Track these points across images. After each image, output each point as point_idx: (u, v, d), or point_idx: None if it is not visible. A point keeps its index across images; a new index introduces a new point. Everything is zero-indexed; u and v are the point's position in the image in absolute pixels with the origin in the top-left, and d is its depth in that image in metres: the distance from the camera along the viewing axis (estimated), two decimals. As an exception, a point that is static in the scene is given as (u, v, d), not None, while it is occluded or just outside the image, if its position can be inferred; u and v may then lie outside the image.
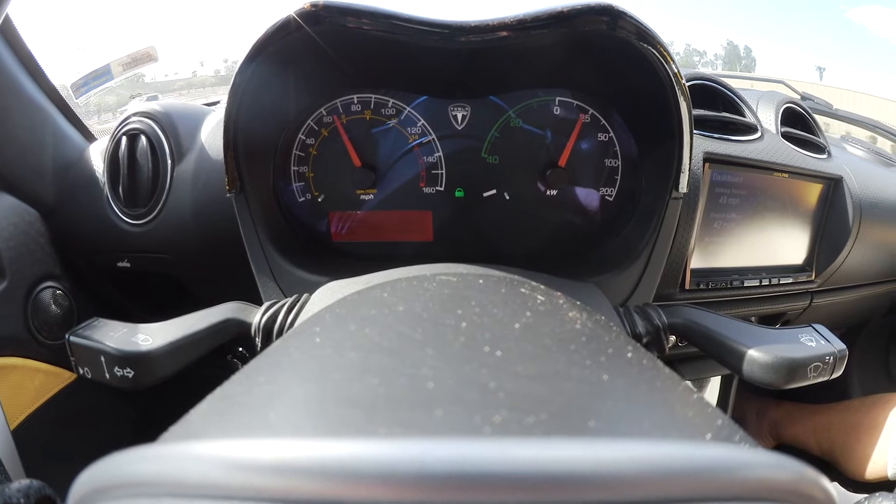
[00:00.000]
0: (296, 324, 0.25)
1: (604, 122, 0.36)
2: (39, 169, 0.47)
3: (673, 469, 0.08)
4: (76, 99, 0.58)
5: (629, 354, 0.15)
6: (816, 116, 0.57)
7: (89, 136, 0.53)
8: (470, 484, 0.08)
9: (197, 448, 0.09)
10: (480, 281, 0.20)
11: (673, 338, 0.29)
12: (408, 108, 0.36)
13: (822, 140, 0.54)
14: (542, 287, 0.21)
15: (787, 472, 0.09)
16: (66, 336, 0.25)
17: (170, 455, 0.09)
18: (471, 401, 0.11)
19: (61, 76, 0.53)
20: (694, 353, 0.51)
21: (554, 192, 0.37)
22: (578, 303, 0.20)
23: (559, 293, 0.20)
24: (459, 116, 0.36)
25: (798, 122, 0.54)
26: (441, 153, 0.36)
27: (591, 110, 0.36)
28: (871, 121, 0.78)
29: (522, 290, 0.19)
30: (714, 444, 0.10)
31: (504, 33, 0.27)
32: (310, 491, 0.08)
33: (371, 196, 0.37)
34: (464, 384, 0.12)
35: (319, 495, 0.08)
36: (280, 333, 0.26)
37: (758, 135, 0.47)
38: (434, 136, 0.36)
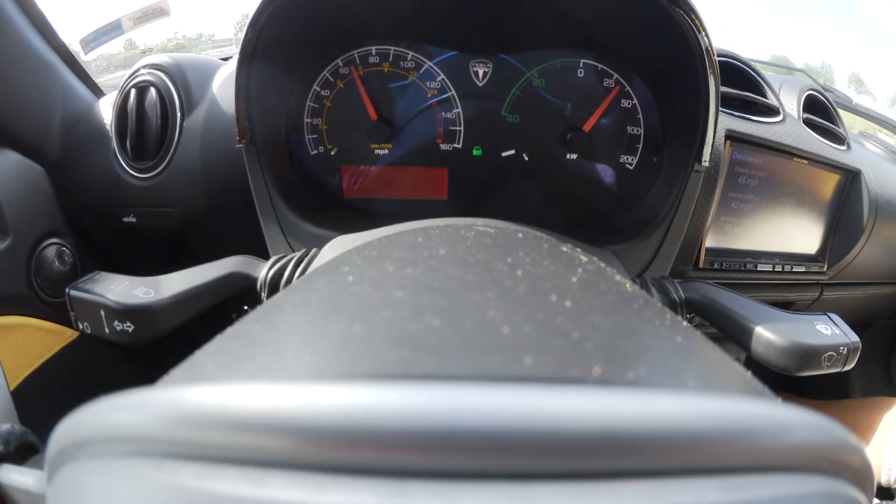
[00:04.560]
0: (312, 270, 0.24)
1: (628, 88, 0.35)
2: (45, 124, 0.46)
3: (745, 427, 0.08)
4: (85, 54, 0.57)
5: (683, 322, 0.14)
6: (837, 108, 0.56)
7: (97, 92, 0.52)
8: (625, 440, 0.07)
9: (214, 393, 0.07)
10: (520, 234, 0.19)
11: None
12: (428, 63, 0.35)
13: (842, 131, 0.53)
14: (579, 248, 0.20)
15: (830, 437, 0.08)
16: (67, 290, 0.24)
17: (174, 401, 0.07)
18: (560, 350, 0.09)
19: (71, 31, 0.52)
20: (703, 333, 0.51)
21: (574, 157, 0.36)
22: (613, 268, 0.19)
23: (595, 256, 0.19)
24: (481, 73, 0.35)
25: (819, 111, 0.53)
26: (460, 110, 0.36)
27: (616, 76, 0.35)
28: (891, 120, 0.77)
29: (563, 248, 0.18)
30: (758, 401, 0.09)
31: None
32: (399, 454, 0.06)
33: (386, 151, 0.36)
34: (544, 331, 0.10)
35: (419, 462, 0.06)
36: None
37: (780, 118, 0.46)
38: (454, 92, 0.35)
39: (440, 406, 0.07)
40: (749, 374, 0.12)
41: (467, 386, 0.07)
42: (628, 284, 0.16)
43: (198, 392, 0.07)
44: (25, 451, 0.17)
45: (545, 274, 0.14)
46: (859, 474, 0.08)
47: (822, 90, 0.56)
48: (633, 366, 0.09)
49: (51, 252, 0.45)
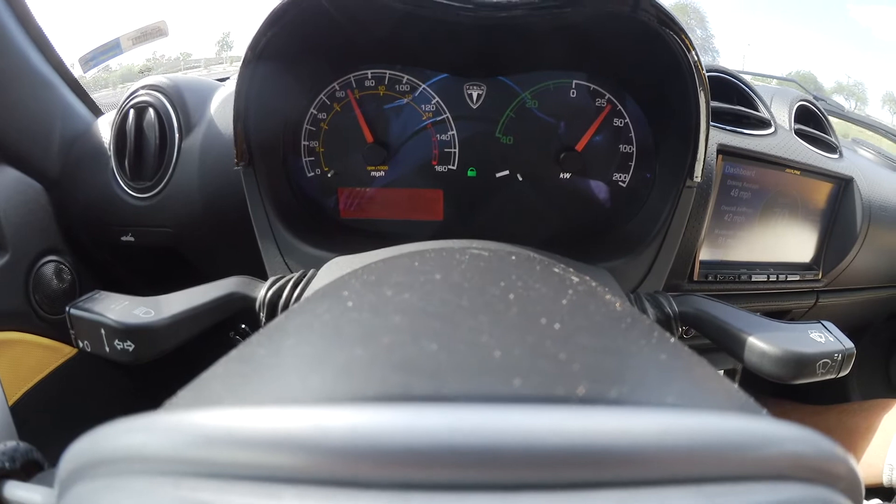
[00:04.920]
0: (308, 293, 0.25)
1: (620, 107, 0.36)
2: (44, 142, 0.47)
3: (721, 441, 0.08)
4: (84, 73, 0.58)
5: (671, 339, 0.15)
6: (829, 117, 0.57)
7: (96, 111, 0.53)
8: (600, 456, 0.07)
9: (223, 416, 0.08)
10: (513, 257, 0.20)
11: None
12: (423, 86, 0.36)
13: (834, 140, 0.54)
14: (571, 269, 0.20)
15: (814, 448, 0.09)
16: (67, 308, 0.25)
17: (192, 423, 0.08)
18: (547, 371, 0.10)
19: (70, 50, 0.52)
20: (699, 345, 0.51)
21: (567, 176, 0.36)
22: (607, 287, 0.19)
23: (587, 276, 0.20)
24: (475, 95, 0.36)
25: (811, 121, 0.54)
26: (455, 132, 0.36)
27: (608, 95, 0.35)
28: (883, 125, 0.78)
29: (555, 269, 0.19)
30: (738, 415, 0.10)
31: (526, 10, 0.26)
32: (394, 473, 0.07)
33: (382, 173, 0.37)
34: (533, 354, 0.11)
35: (410, 477, 0.07)
36: (286, 308, 0.25)
37: (771, 130, 0.47)
38: (448, 114, 0.36)
39: (437, 425, 0.08)
40: (735, 387, 0.12)
41: (461, 407, 0.08)
42: (618, 303, 0.16)
43: (215, 415, 0.08)
44: (31, 469, 0.17)
45: (536, 297, 0.15)
46: (844, 481, 0.09)
47: (813, 100, 0.56)
48: (616, 384, 0.10)
49: (49, 269, 0.45)
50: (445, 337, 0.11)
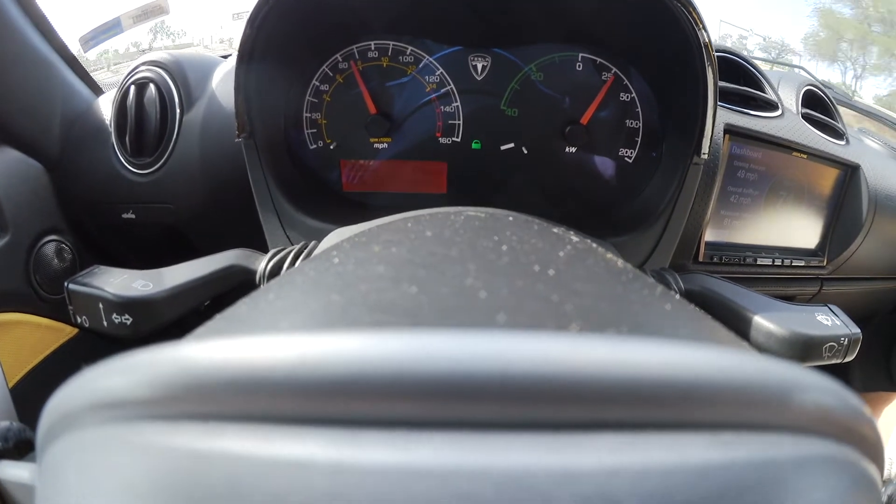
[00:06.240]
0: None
1: (626, 82, 0.35)
2: (45, 122, 0.46)
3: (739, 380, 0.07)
4: (84, 52, 0.57)
5: (676, 295, 0.14)
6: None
7: (97, 90, 0.52)
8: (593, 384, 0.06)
9: (188, 351, 0.07)
10: (510, 218, 0.19)
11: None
12: (427, 58, 0.35)
13: (841, 126, 0.53)
14: (571, 231, 0.20)
15: (842, 403, 0.08)
16: (66, 283, 0.24)
17: (147, 363, 0.07)
18: (536, 310, 0.09)
19: (70, 29, 0.52)
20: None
21: (573, 150, 0.36)
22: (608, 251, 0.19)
23: (588, 239, 0.19)
24: (479, 67, 0.35)
25: (818, 106, 0.54)
26: (459, 103, 0.36)
27: (615, 69, 0.35)
28: (889, 116, 0.77)
29: (555, 229, 0.18)
30: (762, 357, 0.08)
31: None
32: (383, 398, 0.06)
33: (385, 145, 0.36)
34: (522, 295, 0.10)
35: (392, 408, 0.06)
36: None
37: (778, 112, 0.46)
38: (453, 86, 0.35)
39: (394, 350, 0.06)
40: (747, 343, 0.12)
41: (424, 332, 0.07)
42: (619, 262, 0.15)
43: (168, 351, 0.07)
44: (24, 448, 0.17)
45: (531, 249, 0.14)
46: (869, 444, 0.08)
47: (820, 86, 0.56)
48: (615, 325, 0.09)
49: (50, 249, 0.45)
50: (427, 281, 0.10)
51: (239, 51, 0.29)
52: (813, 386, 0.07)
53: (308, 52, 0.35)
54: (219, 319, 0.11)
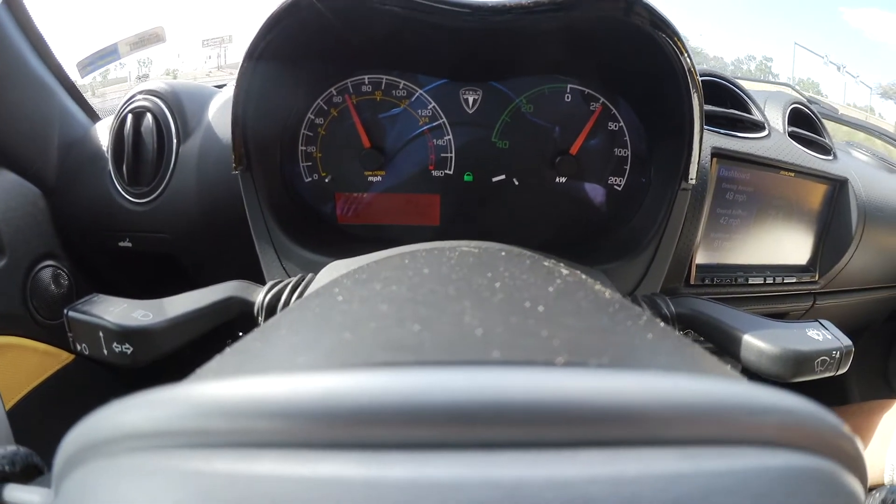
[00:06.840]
0: (306, 294, 0.25)
1: (614, 111, 0.36)
2: (43, 147, 0.47)
3: (711, 404, 0.08)
4: (82, 78, 0.58)
5: (660, 323, 0.14)
6: (823, 120, 0.57)
7: (94, 116, 0.53)
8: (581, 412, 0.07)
9: (220, 387, 0.08)
10: (503, 253, 0.20)
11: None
12: (419, 91, 0.36)
13: (828, 141, 0.54)
14: (562, 263, 0.20)
15: (819, 420, 0.08)
16: (65, 311, 0.25)
17: (181, 397, 0.08)
18: (527, 345, 0.10)
19: (68, 55, 0.52)
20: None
21: (563, 180, 0.37)
22: (598, 281, 0.19)
23: (578, 270, 0.20)
24: (471, 100, 0.36)
25: (804, 123, 0.55)
26: (451, 136, 0.36)
27: (602, 99, 0.36)
28: (877, 128, 0.79)
29: (546, 263, 0.19)
30: (746, 383, 0.09)
31: (519, 13, 0.26)
32: (385, 432, 0.07)
33: (379, 178, 0.37)
34: (515, 331, 0.11)
35: (397, 436, 0.07)
36: None
37: (765, 133, 0.47)
38: (444, 119, 0.36)
39: (408, 385, 0.08)
40: (729, 367, 0.12)
41: (437, 368, 0.08)
42: (608, 293, 0.16)
43: (198, 387, 0.08)
44: (30, 473, 0.17)
45: (523, 285, 0.15)
46: (845, 455, 0.08)
47: (806, 103, 0.57)
48: (598, 356, 0.10)
49: (46, 274, 0.45)
50: (429, 320, 0.12)
51: (236, 83, 0.29)
52: (774, 402, 0.08)
53: (304, 85, 0.35)
54: (233, 353, 0.12)
